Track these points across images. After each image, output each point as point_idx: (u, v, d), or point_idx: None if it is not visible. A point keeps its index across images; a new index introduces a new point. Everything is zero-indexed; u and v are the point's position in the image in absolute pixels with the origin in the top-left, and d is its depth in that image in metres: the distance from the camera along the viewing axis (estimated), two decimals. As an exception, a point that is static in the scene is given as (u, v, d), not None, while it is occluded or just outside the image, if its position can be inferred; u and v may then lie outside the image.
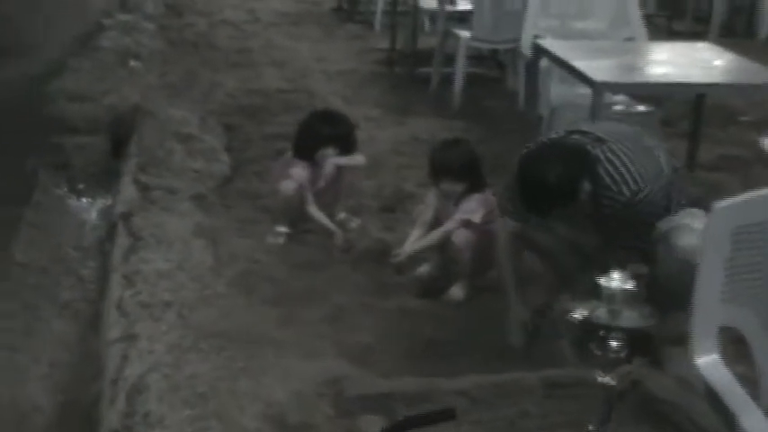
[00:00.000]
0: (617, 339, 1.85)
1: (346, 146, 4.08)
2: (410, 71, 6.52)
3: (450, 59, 6.13)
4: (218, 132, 5.27)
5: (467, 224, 3.55)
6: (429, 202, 3.73)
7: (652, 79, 3.60)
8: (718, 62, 3.89)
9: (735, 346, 2.16)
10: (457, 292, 3.61)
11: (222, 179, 4.68)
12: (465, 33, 5.84)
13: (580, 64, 3.60)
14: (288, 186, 3.99)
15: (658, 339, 2.98)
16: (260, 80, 6.41)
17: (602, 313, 1.82)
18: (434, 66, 6.22)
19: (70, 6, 6.56)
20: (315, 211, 4.02)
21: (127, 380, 2.90)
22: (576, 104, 4.29)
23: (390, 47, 6.94)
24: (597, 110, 3.48)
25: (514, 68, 6.09)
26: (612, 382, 1.92)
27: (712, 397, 1.87)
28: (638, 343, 1.96)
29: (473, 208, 3.57)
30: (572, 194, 2.94)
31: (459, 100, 5.91)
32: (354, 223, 4.20)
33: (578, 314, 1.82)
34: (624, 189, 2.93)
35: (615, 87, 3.61)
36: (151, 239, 3.92)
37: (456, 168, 3.56)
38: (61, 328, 3.59)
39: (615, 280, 1.81)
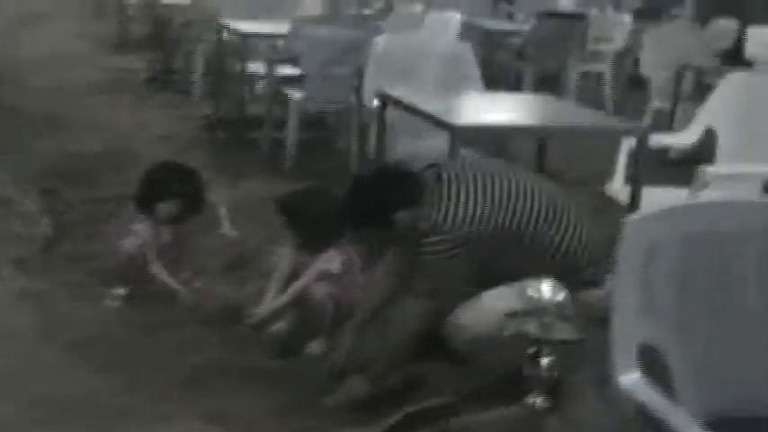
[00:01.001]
0: (549, 355, 1.72)
1: (194, 201, 3.82)
2: (237, 136, 6.33)
3: (278, 124, 6.06)
4: (35, 196, 4.87)
5: (325, 276, 3.37)
6: (284, 254, 3.52)
7: (511, 122, 3.57)
8: (564, 109, 3.94)
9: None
10: (316, 347, 3.40)
11: (45, 243, 4.30)
12: (297, 94, 5.73)
13: (434, 109, 3.54)
14: (131, 243, 3.68)
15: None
16: (78, 144, 6.02)
17: (532, 327, 1.68)
18: (265, 128, 6.07)
19: None
20: (158, 270, 3.73)
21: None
22: (423, 157, 4.25)
23: (214, 112, 6.74)
24: (455, 155, 3.42)
25: (345, 129, 6.05)
26: (546, 404, 1.78)
27: (644, 415, 1.76)
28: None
29: (331, 257, 3.40)
30: (384, 219, 2.97)
31: (292, 161, 5.77)
32: (199, 282, 3.93)
33: (510, 330, 1.67)
34: (423, 223, 2.93)
35: (474, 131, 3.56)
36: (-31, 306, 3.52)
37: (313, 219, 3.39)
38: None
39: (546, 291, 1.68)
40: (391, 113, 4.12)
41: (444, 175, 3.02)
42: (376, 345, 3.16)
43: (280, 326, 3.49)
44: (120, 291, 3.74)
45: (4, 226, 4.37)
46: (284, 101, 6.11)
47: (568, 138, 4.33)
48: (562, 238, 3.00)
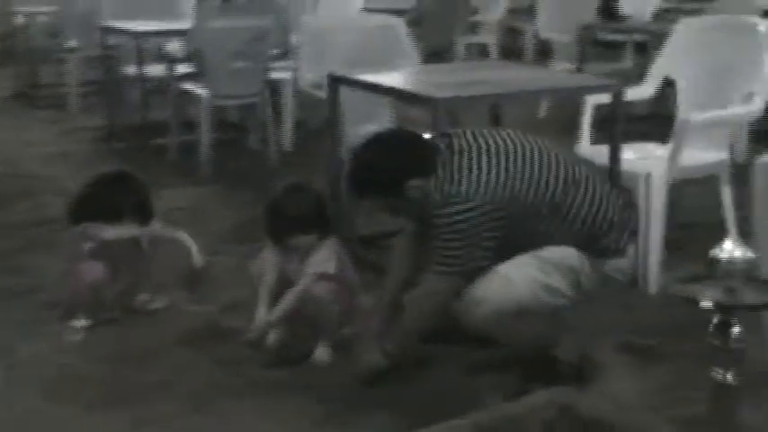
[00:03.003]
0: (737, 324, 1.54)
1: (142, 212, 3.48)
2: (138, 144, 5.91)
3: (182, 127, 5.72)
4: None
5: (323, 277, 3.11)
6: (268, 260, 3.22)
7: (488, 91, 3.38)
8: (524, 72, 3.79)
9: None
10: (323, 353, 3.14)
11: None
12: (204, 92, 5.39)
13: (404, 84, 3.31)
14: (93, 270, 3.33)
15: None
16: (-34, 170, 5.50)
17: (717, 293, 1.50)
18: (172, 133, 5.69)
19: None
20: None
21: None
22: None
23: (108, 122, 6.29)
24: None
25: (259, 125, 5.76)
26: (734, 382, 1.60)
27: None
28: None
29: (325, 257, 3.13)
30: (396, 186, 2.82)
31: (208, 165, 5.43)
32: (161, 303, 3.59)
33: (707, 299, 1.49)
34: (436, 194, 2.77)
35: (455, 102, 3.36)
36: None
37: (309, 219, 3.10)
38: None
39: (734, 250, 1.51)
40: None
41: (456, 144, 2.84)
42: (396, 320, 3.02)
43: (271, 338, 3.20)
44: (81, 322, 3.37)
45: None
46: (182, 102, 5.78)
47: (553, 97, 4.17)
48: (581, 205, 2.86)
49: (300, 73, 4.61)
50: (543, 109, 6.69)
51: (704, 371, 2.87)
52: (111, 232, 3.38)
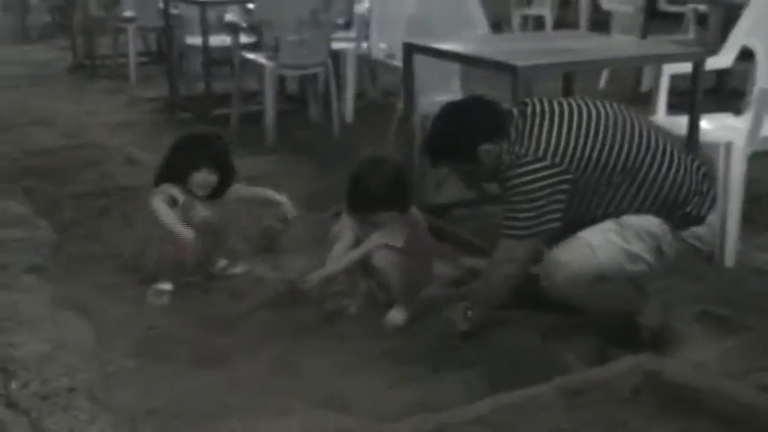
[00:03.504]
0: None
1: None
2: (202, 115, 5.96)
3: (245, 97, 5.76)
4: (20, 197, 4.46)
5: (387, 247, 3.13)
6: (347, 224, 3.24)
7: (567, 59, 3.36)
8: (599, 42, 3.77)
9: None
10: (396, 316, 3.17)
11: (53, 246, 3.91)
12: (269, 62, 5.41)
13: (488, 53, 3.31)
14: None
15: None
16: (34, 141, 5.57)
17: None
18: (235, 103, 5.72)
19: None
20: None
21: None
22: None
23: (170, 93, 6.34)
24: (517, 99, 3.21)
25: (319, 96, 5.78)
26: None
27: None
28: None
29: (394, 230, 3.13)
30: (469, 152, 2.85)
31: (273, 135, 5.47)
32: (240, 269, 3.64)
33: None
34: (507, 157, 2.79)
35: (536, 71, 3.35)
36: (8, 322, 3.15)
37: (389, 197, 3.09)
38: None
39: None
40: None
41: (529, 110, 2.85)
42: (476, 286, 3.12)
43: (350, 307, 3.27)
44: (166, 285, 3.42)
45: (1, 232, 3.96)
46: (243, 73, 5.80)
47: (634, 65, 4.08)
48: (657, 172, 2.85)
49: (373, 43, 4.61)
50: (603, 81, 6.65)
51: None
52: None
